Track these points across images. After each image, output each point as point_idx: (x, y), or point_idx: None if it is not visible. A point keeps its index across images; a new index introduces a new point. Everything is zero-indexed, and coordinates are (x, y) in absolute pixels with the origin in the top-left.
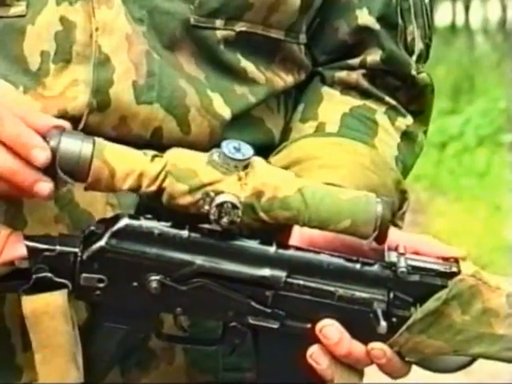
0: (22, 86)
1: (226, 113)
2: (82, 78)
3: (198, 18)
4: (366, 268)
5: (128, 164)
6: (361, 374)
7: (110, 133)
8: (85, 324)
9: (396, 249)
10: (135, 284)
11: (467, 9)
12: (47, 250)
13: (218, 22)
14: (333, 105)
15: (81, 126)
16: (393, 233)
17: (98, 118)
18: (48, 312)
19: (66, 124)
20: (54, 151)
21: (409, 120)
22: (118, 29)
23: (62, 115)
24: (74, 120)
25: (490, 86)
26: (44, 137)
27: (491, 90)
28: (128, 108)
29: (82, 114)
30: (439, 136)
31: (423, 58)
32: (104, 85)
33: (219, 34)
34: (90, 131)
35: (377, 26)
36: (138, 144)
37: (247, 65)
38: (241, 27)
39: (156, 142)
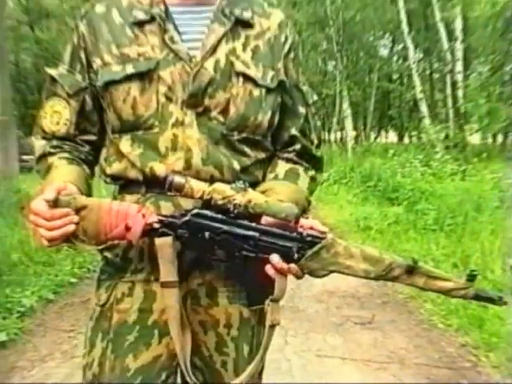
0: (155, 162)
1: (237, 167)
2: (181, 157)
3: (226, 132)
4: (290, 234)
5: (198, 187)
6: (285, 278)
7: (193, 176)
8: (179, 250)
9: (302, 227)
10: (199, 236)
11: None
12: (165, 219)
13: (235, 133)
14: (281, 167)
15: None
16: (303, 220)
17: (187, 173)
18: (165, 244)
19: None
20: (170, 184)
21: (313, 172)
22: (192, 136)
23: (172, 170)
24: (178, 173)
25: None
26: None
27: None
28: (198, 167)
29: (180, 171)
30: None
31: (317, 146)
32: (189, 160)
33: (235, 137)
34: None
35: (298, 134)
36: (205, 182)
37: (247, 150)
38: (244, 135)
39: (211, 181)
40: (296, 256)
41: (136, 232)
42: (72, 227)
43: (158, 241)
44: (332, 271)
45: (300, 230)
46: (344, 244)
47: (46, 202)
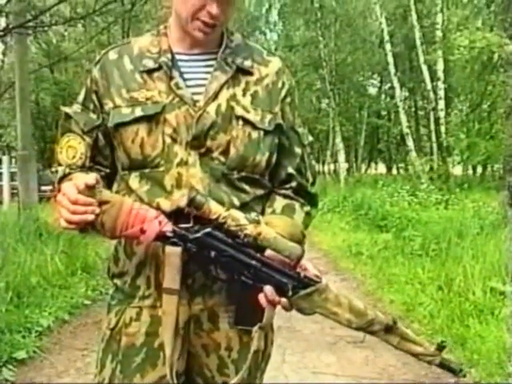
0: (161, 198)
1: (237, 203)
2: (185, 194)
3: (227, 171)
4: (289, 272)
5: (216, 209)
6: (274, 308)
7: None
8: (185, 261)
9: (301, 267)
10: (206, 253)
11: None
12: (179, 230)
13: (235, 172)
14: (279, 202)
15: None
16: (303, 261)
17: (191, 209)
18: (173, 253)
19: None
20: (191, 199)
21: (308, 207)
22: (195, 174)
23: (176, 206)
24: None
25: None
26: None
27: None
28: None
29: (184, 207)
30: None
31: (312, 183)
32: (195, 196)
33: (235, 176)
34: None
35: (294, 172)
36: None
37: (246, 187)
38: (243, 174)
39: None
40: (290, 293)
41: (149, 236)
42: (91, 217)
43: (168, 249)
44: (318, 313)
45: (298, 270)
46: (335, 292)
47: (75, 188)
